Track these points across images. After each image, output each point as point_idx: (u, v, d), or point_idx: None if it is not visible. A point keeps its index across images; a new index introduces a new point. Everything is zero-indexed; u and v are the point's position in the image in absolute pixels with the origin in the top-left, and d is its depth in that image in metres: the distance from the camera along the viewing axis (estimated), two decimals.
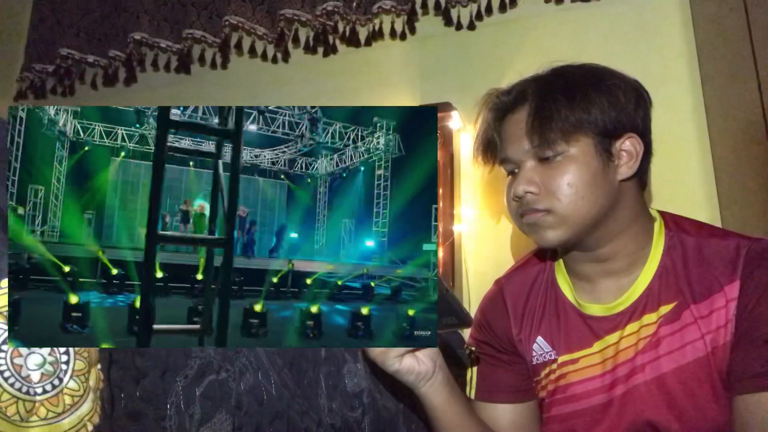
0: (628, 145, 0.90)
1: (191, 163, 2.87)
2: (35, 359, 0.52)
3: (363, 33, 1.81)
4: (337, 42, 1.85)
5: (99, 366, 0.57)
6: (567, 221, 0.88)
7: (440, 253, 1.49)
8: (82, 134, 2.63)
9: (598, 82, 0.89)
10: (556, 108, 0.87)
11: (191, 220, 2.99)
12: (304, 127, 2.60)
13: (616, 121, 0.88)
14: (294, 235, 3.18)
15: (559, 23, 1.59)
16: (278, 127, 2.81)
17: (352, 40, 1.82)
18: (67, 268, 2.33)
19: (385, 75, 1.78)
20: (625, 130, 0.89)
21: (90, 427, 0.53)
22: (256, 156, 2.87)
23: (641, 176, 0.94)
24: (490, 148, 0.99)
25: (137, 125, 2.57)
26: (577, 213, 0.87)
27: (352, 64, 1.83)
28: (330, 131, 2.53)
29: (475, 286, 1.53)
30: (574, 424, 0.94)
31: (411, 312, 2.11)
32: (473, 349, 1.06)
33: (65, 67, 2.16)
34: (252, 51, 1.95)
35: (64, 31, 2.16)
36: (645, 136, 0.92)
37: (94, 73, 2.16)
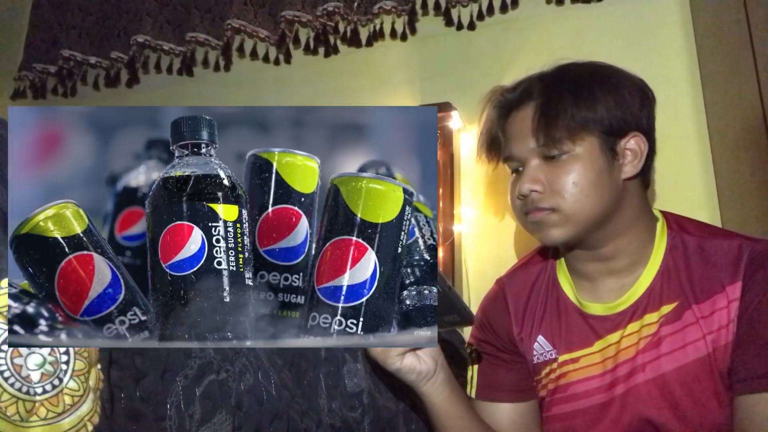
0: (632, 144, 0.90)
1: None
2: (35, 359, 0.52)
3: (364, 33, 1.82)
4: (338, 42, 1.85)
5: (99, 366, 0.57)
6: (572, 220, 0.88)
7: (440, 253, 1.49)
8: None
9: (604, 80, 0.90)
10: (562, 106, 0.87)
11: None
12: None
13: (621, 119, 0.88)
14: None
15: (559, 23, 1.59)
16: None
17: (353, 41, 1.82)
18: None
19: (385, 75, 1.78)
20: (630, 129, 0.90)
21: (90, 427, 0.54)
22: None
23: (645, 175, 0.94)
24: (494, 146, 0.99)
25: None
26: (581, 211, 0.87)
27: (353, 64, 1.83)
28: None
29: (475, 286, 1.53)
30: (574, 423, 0.94)
31: None
32: (474, 348, 1.06)
33: (67, 68, 2.16)
34: (254, 53, 1.95)
35: (65, 32, 2.16)
36: (649, 135, 0.92)
37: (96, 74, 2.17)
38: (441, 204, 1.53)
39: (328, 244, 0.73)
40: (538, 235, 0.93)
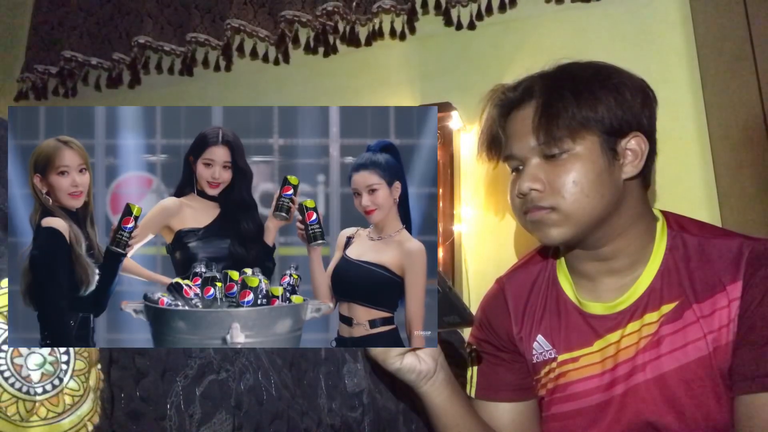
0: (633, 144, 0.90)
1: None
2: (35, 359, 0.52)
3: (363, 33, 1.82)
4: (338, 42, 1.85)
5: (99, 366, 0.57)
6: (571, 219, 0.88)
7: (440, 253, 1.49)
8: None
9: (605, 80, 0.89)
10: (563, 105, 0.87)
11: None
12: None
13: (622, 119, 0.88)
14: None
15: (559, 23, 1.59)
16: None
17: (352, 40, 1.82)
18: None
19: (385, 75, 1.78)
20: (631, 129, 0.89)
21: (90, 427, 0.54)
22: None
23: (645, 175, 0.94)
24: (495, 145, 0.99)
25: None
26: (581, 211, 0.87)
27: (352, 64, 1.83)
28: None
29: (475, 286, 1.53)
30: (574, 422, 0.94)
31: None
32: (474, 347, 1.06)
33: (69, 69, 2.16)
34: (254, 53, 1.95)
35: (66, 33, 2.16)
36: (650, 135, 0.92)
37: (98, 75, 2.17)
38: (441, 204, 1.52)
39: None
40: (537, 234, 0.93)
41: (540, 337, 0.99)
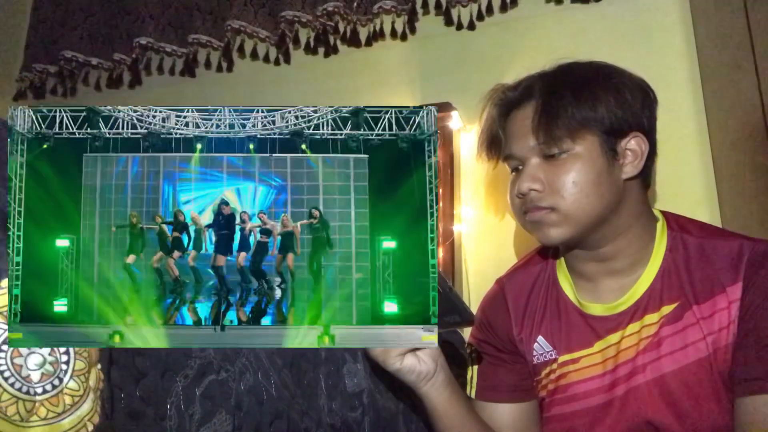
0: (633, 144, 0.90)
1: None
2: (35, 359, 0.52)
3: (363, 33, 1.82)
4: (338, 42, 1.85)
5: (99, 366, 0.57)
6: (571, 219, 0.88)
7: (440, 253, 1.49)
8: None
9: (606, 80, 0.89)
10: (562, 105, 0.87)
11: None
12: None
13: (622, 119, 0.88)
14: None
15: (559, 23, 1.59)
16: None
17: (353, 41, 1.82)
18: None
19: (385, 75, 1.78)
20: (631, 129, 0.89)
21: (90, 427, 0.54)
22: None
23: (645, 176, 0.93)
24: (495, 144, 0.99)
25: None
26: (581, 211, 0.87)
27: (353, 64, 1.83)
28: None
29: (475, 286, 1.52)
30: (575, 423, 0.94)
31: None
32: (474, 348, 1.06)
33: (69, 69, 2.16)
34: (254, 54, 1.95)
35: (66, 32, 2.16)
36: (650, 135, 0.92)
37: (98, 75, 2.17)
38: (441, 204, 1.52)
39: None
40: (536, 235, 0.92)
41: (540, 338, 0.99)
